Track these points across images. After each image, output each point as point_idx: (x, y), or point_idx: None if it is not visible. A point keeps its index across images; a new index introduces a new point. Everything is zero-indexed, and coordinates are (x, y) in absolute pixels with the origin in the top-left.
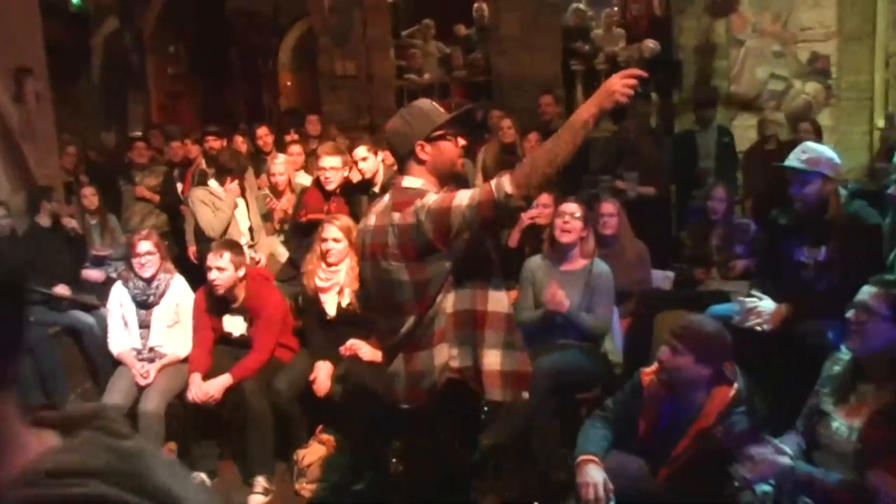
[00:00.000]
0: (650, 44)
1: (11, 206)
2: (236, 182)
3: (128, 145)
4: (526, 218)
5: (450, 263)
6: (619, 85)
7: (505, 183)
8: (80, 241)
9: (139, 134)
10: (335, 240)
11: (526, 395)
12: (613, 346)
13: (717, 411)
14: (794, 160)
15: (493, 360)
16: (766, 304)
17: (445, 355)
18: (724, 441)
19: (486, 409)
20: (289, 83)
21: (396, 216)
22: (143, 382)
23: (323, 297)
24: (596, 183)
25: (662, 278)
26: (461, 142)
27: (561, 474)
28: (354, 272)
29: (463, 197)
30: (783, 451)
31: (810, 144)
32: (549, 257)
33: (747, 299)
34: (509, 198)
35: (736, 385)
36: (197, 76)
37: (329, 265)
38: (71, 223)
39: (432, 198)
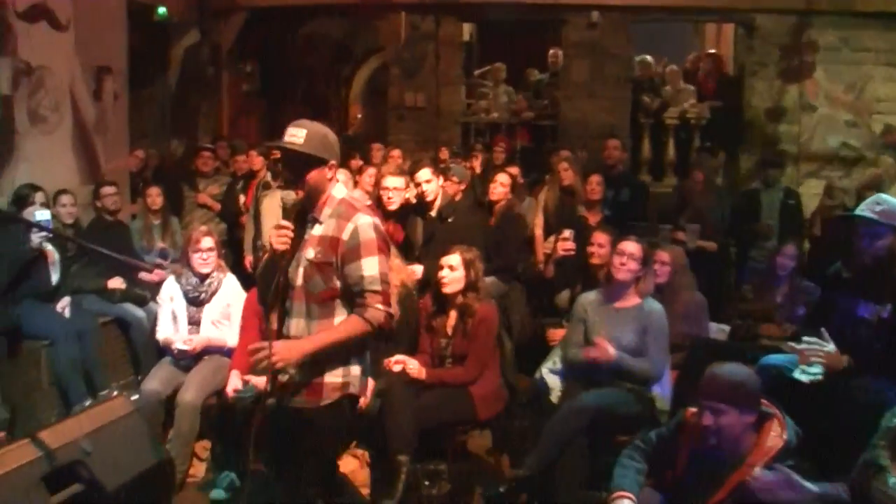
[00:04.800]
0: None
1: (78, 197)
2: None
3: (195, 154)
4: (560, 250)
5: None
6: None
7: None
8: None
9: (208, 145)
10: None
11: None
12: (661, 393)
13: (763, 463)
14: (866, 211)
15: None
16: (830, 348)
17: None
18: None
19: None
20: (359, 115)
21: None
22: (186, 347)
23: None
24: (655, 231)
25: (717, 331)
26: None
27: None
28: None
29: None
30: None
31: (885, 196)
32: (602, 294)
33: (809, 339)
34: None
35: (785, 436)
36: (266, 96)
37: None
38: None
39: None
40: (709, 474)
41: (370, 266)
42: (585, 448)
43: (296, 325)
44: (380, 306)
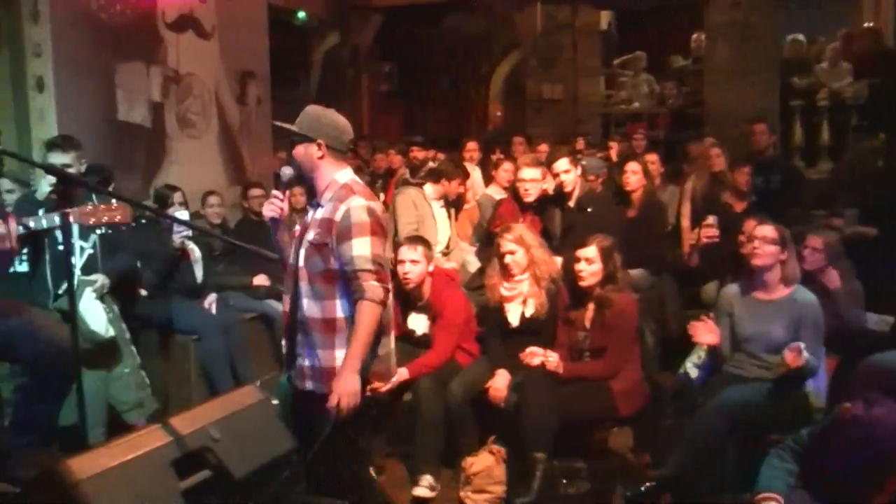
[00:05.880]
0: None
1: (225, 198)
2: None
3: None
4: (704, 237)
5: None
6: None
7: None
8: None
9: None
10: (510, 252)
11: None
12: (816, 389)
13: None
14: None
15: None
16: None
17: None
18: None
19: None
20: (498, 113)
21: None
22: None
23: (507, 306)
24: (809, 218)
25: (877, 322)
26: None
27: None
28: (535, 280)
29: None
30: None
31: None
32: (744, 285)
33: None
34: None
35: None
36: (404, 95)
37: (511, 277)
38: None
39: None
40: (868, 476)
41: (361, 246)
42: (732, 447)
43: (303, 305)
44: (374, 282)
